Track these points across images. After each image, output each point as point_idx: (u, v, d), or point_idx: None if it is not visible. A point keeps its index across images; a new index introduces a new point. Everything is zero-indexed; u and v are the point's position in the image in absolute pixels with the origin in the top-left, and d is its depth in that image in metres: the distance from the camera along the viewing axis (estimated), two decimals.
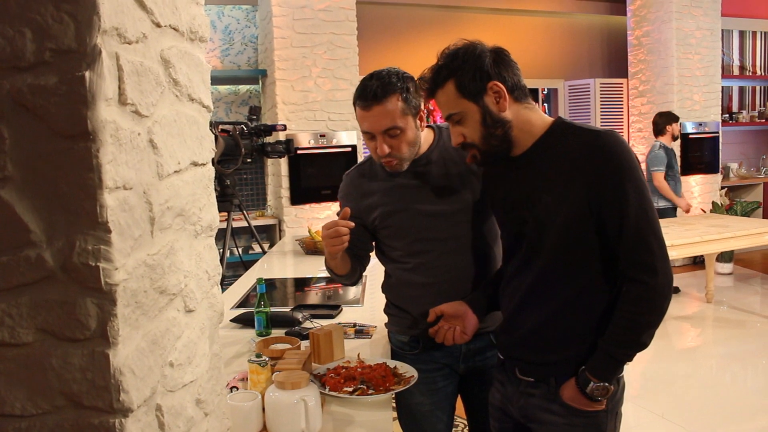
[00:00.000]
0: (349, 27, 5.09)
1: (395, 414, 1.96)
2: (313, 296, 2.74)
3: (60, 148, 0.76)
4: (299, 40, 4.95)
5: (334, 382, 1.60)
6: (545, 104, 7.24)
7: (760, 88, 7.81)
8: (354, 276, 1.95)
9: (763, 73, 7.71)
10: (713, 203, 6.48)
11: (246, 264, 3.87)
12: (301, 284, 2.98)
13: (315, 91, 5.03)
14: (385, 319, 2.00)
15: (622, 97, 6.94)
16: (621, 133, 6.75)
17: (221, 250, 3.44)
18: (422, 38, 6.00)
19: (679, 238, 4.43)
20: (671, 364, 4.19)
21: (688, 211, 5.56)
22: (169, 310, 0.97)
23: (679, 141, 5.69)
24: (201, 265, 1.11)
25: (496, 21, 6.46)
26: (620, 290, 1.46)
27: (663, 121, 5.53)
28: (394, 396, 1.81)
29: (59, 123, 0.76)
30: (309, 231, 3.79)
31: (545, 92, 7.21)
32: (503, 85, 1.45)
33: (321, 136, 5.05)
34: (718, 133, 6.76)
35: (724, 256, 6.27)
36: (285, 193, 5.05)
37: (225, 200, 3.51)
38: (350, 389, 1.58)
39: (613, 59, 7.08)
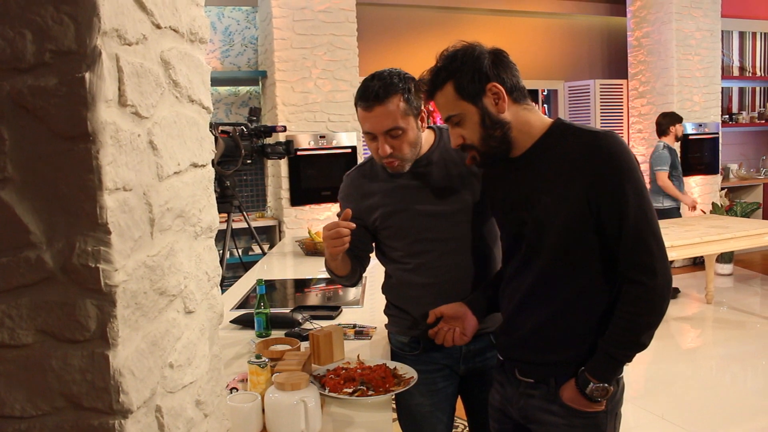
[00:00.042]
0: (349, 28, 5.10)
1: (395, 415, 1.96)
2: (313, 297, 2.74)
3: (60, 149, 0.76)
4: (299, 41, 4.95)
5: (334, 383, 1.60)
6: (545, 105, 7.24)
7: (760, 89, 7.81)
8: (354, 277, 1.95)
9: (762, 74, 7.72)
10: (713, 204, 6.48)
11: (246, 265, 3.87)
12: (301, 285, 2.98)
13: (315, 92, 5.03)
14: (385, 320, 2.00)
15: (622, 98, 6.94)
16: (621, 134, 6.78)
17: (221, 252, 3.45)
18: (422, 39, 6.00)
19: (679, 239, 4.43)
20: (671, 365, 4.19)
21: (694, 207, 5.55)
22: (168, 311, 0.97)
23: (679, 142, 5.70)
24: (201, 267, 1.11)
25: (496, 22, 6.46)
26: (620, 291, 1.46)
27: (667, 121, 5.54)
28: (394, 397, 1.81)
29: (59, 124, 0.76)
30: (309, 232, 3.79)
31: (545, 93, 7.21)
32: (502, 87, 1.45)
33: (321, 137, 5.06)
34: (717, 134, 6.76)
35: (724, 257, 6.27)
36: (285, 194, 5.05)
37: (225, 201, 3.51)
38: (350, 390, 1.58)
39: (613, 60, 7.08)
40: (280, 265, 3.67)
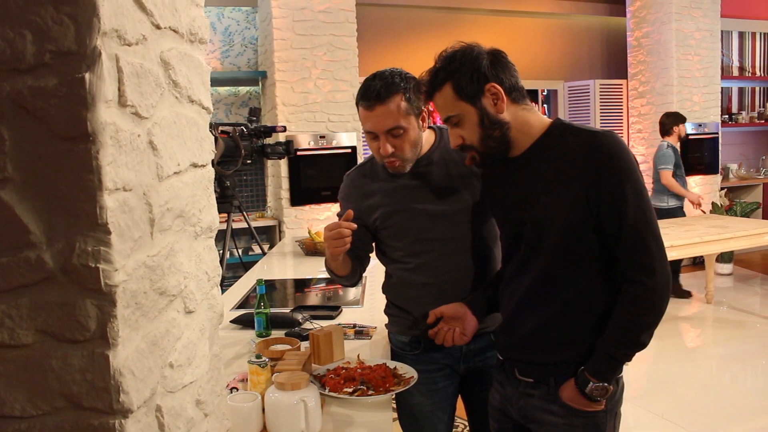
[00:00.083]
0: (348, 28, 5.10)
1: (395, 415, 1.96)
2: (313, 297, 2.74)
3: (60, 149, 0.77)
4: (299, 41, 4.95)
5: (334, 383, 1.60)
6: (545, 105, 7.24)
7: (760, 89, 7.82)
8: (354, 277, 1.95)
9: (762, 74, 7.72)
10: (713, 204, 6.48)
11: (246, 265, 3.87)
12: (301, 285, 2.98)
13: (315, 92, 5.04)
14: (385, 320, 2.00)
15: (621, 98, 6.95)
16: (620, 134, 6.78)
17: (221, 252, 3.45)
18: (422, 40, 6.01)
19: (679, 239, 4.43)
20: (671, 365, 4.19)
21: (699, 204, 5.55)
22: (168, 311, 0.97)
23: (680, 142, 5.71)
24: (201, 267, 1.11)
25: (496, 22, 6.46)
26: (619, 291, 1.46)
27: (670, 121, 5.54)
28: (394, 397, 1.81)
29: (59, 125, 0.76)
30: (309, 232, 3.79)
31: (545, 93, 7.21)
32: (500, 87, 1.45)
33: (321, 137, 5.06)
34: (717, 134, 6.76)
35: (724, 257, 6.27)
36: (285, 194, 5.05)
37: (225, 201, 3.52)
38: (350, 390, 1.58)
39: (613, 60, 7.08)
40: (280, 265, 3.67)
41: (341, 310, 2.41)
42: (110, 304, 0.79)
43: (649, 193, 5.67)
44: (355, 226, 1.70)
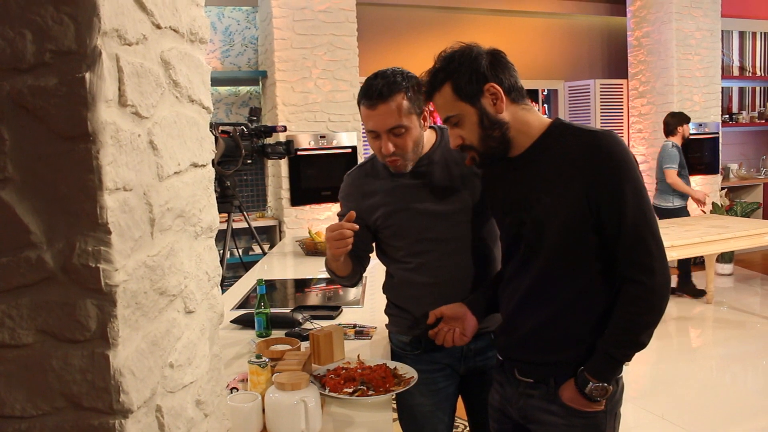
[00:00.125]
0: (349, 28, 5.10)
1: (395, 415, 1.96)
2: (313, 297, 2.74)
3: (60, 149, 0.77)
4: (299, 41, 4.95)
5: (334, 383, 1.60)
6: (545, 105, 7.24)
7: (760, 88, 7.81)
8: (355, 277, 1.95)
9: (762, 74, 7.71)
10: (713, 204, 6.48)
11: (246, 265, 3.87)
12: (301, 285, 2.98)
13: (315, 92, 5.03)
14: (385, 320, 2.00)
15: (622, 98, 6.95)
16: (621, 134, 6.78)
17: (221, 251, 3.45)
18: (422, 40, 6.01)
19: (679, 239, 4.43)
20: (671, 365, 4.19)
21: (704, 201, 5.55)
22: (169, 311, 0.97)
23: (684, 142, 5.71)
24: (201, 267, 1.11)
25: (496, 22, 6.46)
26: (619, 291, 1.46)
27: (675, 121, 5.55)
28: (394, 397, 1.81)
29: (59, 124, 0.76)
30: (309, 232, 3.79)
31: (545, 93, 7.21)
32: (500, 87, 1.45)
33: (321, 137, 5.06)
34: (718, 133, 6.76)
35: (725, 257, 6.27)
36: (285, 194, 5.05)
37: (225, 201, 3.52)
38: (350, 390, 1.58)
39: (613, 60, 7.08)
40: (280, 265, 3.67)
41: (341, 310, 2.41)
42: (110, 304, 0.79)
43: (653, 193, 5.68)
44: (357, 227, 1.70)
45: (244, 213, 3.86)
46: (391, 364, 1.72)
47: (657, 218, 1.47)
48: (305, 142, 5.00)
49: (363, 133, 5.14)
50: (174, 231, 0.99)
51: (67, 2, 0.74)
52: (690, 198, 5.58)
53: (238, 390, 1.61)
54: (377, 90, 1.68)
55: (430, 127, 1.86)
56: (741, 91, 7.71)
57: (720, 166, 6.84)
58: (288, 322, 2.18)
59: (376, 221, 1.85)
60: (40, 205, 0.78)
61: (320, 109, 5.06)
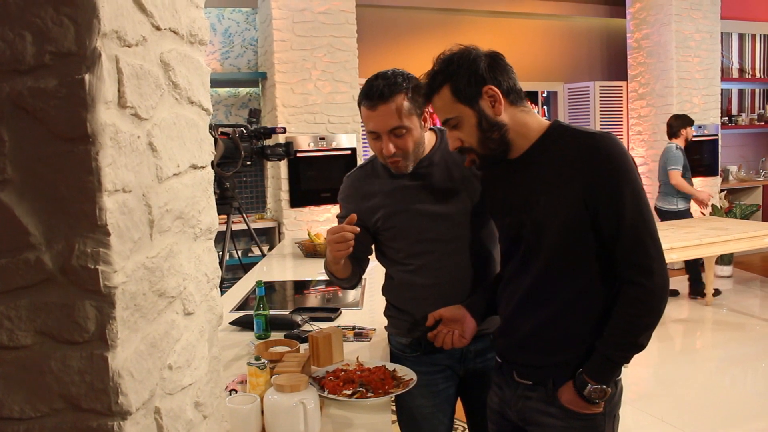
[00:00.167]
0: (348, 30, 5.10)
1: (394, 417, 1.95)
2: (313, 299, 2.74)
3: (60, 151, 0.77)
4: (299, 42, 4.96)
5: (333, 385, 1.60)
6: (545, 107, 7.25)
7: (760, 90, 7.82)
8: (354, 279, 1.95)
9: (762, 76, 7.72)
10: (712, 206, 6.48)
11: (245, 267, 3.87)
12: (301, 287, 2.98)
13: (315, 93, 5.04)
14: (385, 322, 2.00)
15: (621, 100, 6.95)
16: (620, 136, 6.78)
17: (220, 253, 3.45)
18: (422, 41, 6.01)
19: (678, 241, 4.43)
20: (670, 367, 4.19)
21: (707, 202, 5.55)
22: (168, 312, 0.97)
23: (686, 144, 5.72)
24: (200, 268, 1.11)
25: (495, 24, 6.47)
26: (617, 293, 1.46)
27: (678, 124, 5.56)
28: (393, 399, 1.80)
29: (59, 126, 0.76)
30: (308, 234, 3.78)
31: (545, 95, 7.22)
32: (498, 89, 1.45)
33: (321, 138, 5.06)
34: (717, 135, 6.76)
35: (724, 259, 6.27)
36: (284, 195, 5.05)
37: (224, 203, 3.52)
38: (349, 392, 1.58)
39: (613, 62, 7.09)
40: (279, 266, 3.67)
41: (340, 312, 2.41)
42: (109, 305, 0.79)
43: (657, 195, 5.68)
44: (359, 229, 1.70)
45: (244, 215, 3.86)
46: (390, 366, 1.72)
47: (656, 220, 1.46)
48: (305, 143, 5.00)
49: (363, 134, 5.15)
50: (173, 232, 0.99)
51: (67, 4, 0.75)
52: (692, 199, 5.58)
53: (237, 392, 1.61)
54: (378, 91, 1.68)
55: (430, 129, 1.86)
56: (740, 93, 7.72)
57: (719, 168, 6.85)
58: (287, 324, 2.18)
59: (376, 223, 1.85)
60: (39, 207, 0.78)
61: (320, 110, 5.06)
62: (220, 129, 3.42)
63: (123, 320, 0.81)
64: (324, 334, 1.82)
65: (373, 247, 1.95)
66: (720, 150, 6.82)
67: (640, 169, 6.76)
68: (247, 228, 3.95)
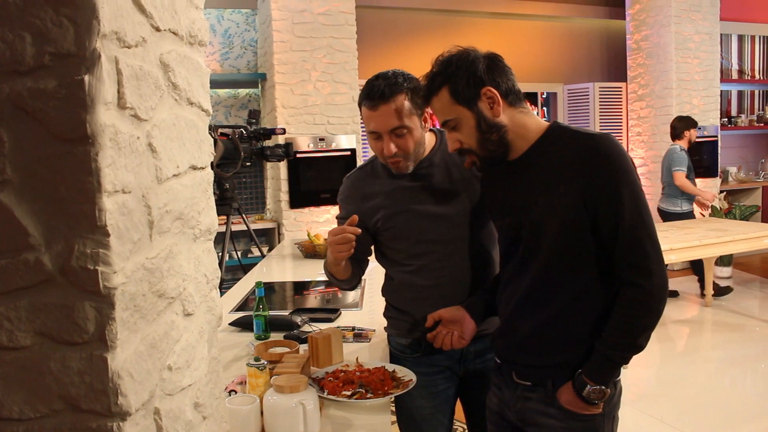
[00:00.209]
0: (348, 31, 5.10)
1: (394, 418, 1.95)
2: (312, 300, 2.74)
3: (59, 151, 0.77)
4: (299, 44, 4.96)
5: (333, 386, 1.60)
6: (544, 108, 7.25)
7: (759, 92, 7.83)
8: (354, 281, 1.95)
9: (761, 77, 7.73)
10: (712, 207, 6.49)
11: (245, 267, 3.87)
12: (300, 288, 2.98)
13: (314, 94, 5.04)
14: (384, 322, 2.00)
15: (621, 101, 6.96)
16: (620, 138, 6.79)
17: (220, 254, 3.44)
18: (422, 42, 6.01)
19: (678, 242, 4.43)
20: (670, 368, 4.19)
21: (707, 206, 5.55)
22: (167, 313, 0.97)
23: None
24: (200, 269, 1.11)
25: (495, 25, 6.47)
26: (616, 293, 1.46)
27: (682, 125, 5.57)
28: (393, 400, 1.80)
29: (58, 127, 0.76)
30: (308, 234, 3.79)
31: (544, 96, 7.22)
32: (497, 91, 1.46)
33: (320, 139, 5.06)
34: (716, 137, 6.77)
35: (723, 260, 6.27)
36: (284, 196, 5.05)
37: (224, 204, 3.51)
38: (349, 393, 1.58)
39: (612, 63, 7.09)
40: (279, 267, 3.67)
41: (340, 313, 2.41)
42: (109, 306, 0.79)
43: (660, 197, 5.69)
44: (360, 231, 1.70)
45: (243, 215, 3.86)
46: (390, 367, 1.72)
47: (658, 221, 1.47)
48: (304, 144, 5.00)
49: (362, 135, 5.15)
50: (173, 233, 0.99)
51: (67, 5, 0.75)
52: (695, 200, 5.58)
53: (236, 392, 1.61)
54: (379, 91, 1.69)
55: (430, 130, 1.87)
56: (740, 94, 7.72)
57: (719, 170, 6.85)
58: (287, 325, 2.18)
59: (376, 223, 1.85)
60: (38, 207, 0.78)
61: (319, 111, 5.06)
62: (220, 130, 3.42)
63: (122, 321, 0.81)
64: (323, 335, 1.82)
65: (372, 248, 1.95)
66: (719, 151, 6.83)
67: (640, 171, 6.77)
68: (246, 229, 3.95)
